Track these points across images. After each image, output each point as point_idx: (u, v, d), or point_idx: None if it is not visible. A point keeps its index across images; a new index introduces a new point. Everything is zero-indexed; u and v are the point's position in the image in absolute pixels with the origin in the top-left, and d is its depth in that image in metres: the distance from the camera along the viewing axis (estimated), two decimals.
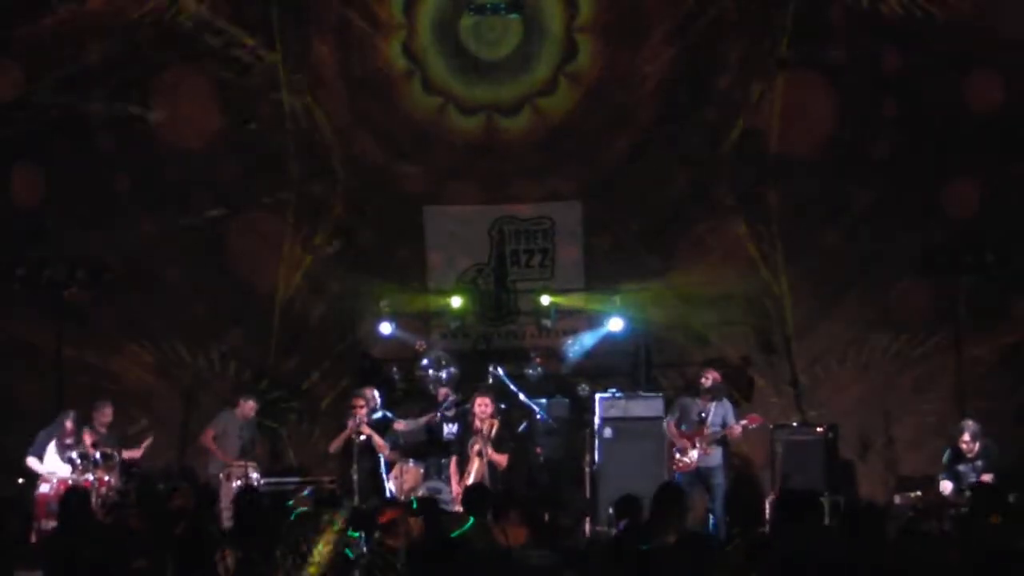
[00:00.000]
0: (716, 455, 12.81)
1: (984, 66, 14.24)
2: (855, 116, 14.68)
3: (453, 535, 8.00)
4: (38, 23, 14.24)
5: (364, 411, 12.69)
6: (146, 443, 13.44)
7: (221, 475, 13.09)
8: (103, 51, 14.36)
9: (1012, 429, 13.65)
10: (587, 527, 12.98)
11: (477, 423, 12.32)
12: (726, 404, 13.01)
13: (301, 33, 14.90)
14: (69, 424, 12.84)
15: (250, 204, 15.14)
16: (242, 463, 13.00)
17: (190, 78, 14.81)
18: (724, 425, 12.83)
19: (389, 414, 13.52)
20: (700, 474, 12.72)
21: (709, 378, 13.00)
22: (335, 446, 12.85)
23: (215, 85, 14.87)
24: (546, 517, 8.24)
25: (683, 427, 12.88)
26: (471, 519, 8.21)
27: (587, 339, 14.57)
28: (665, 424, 13.01)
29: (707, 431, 12.74)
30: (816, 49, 14.67)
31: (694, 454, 12.67)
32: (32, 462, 12.89)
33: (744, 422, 12.88)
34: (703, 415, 12.75)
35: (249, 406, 13.67)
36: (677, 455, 12.76)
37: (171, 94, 14.73)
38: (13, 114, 14.23)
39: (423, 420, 13.56)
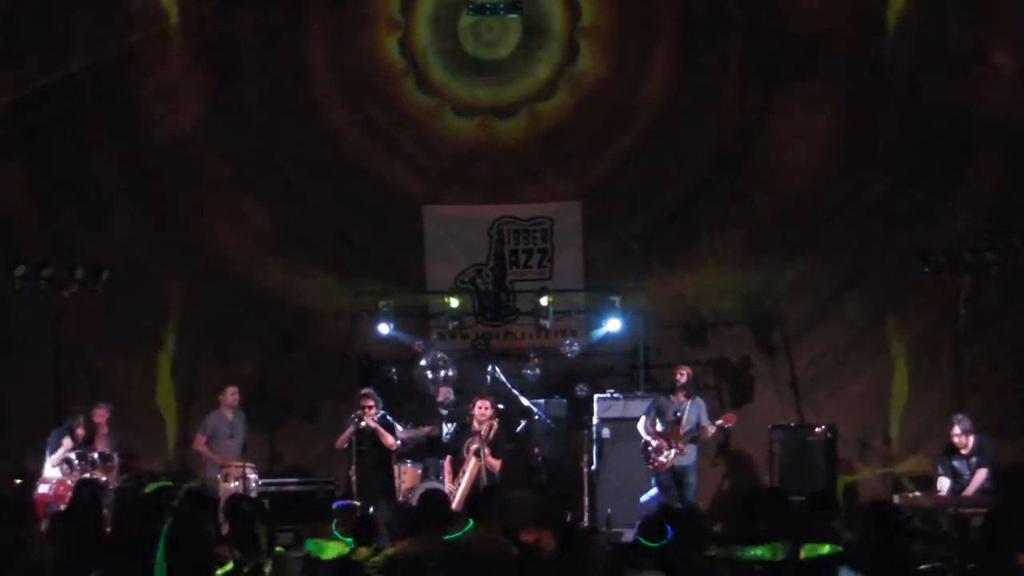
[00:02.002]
0: (691, 454, 12.81)
1: (988, 66, 14.22)
2: (856, 116, 14.66)
3: (450, 537, 7.99)
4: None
5: (374, 411, 12.68)
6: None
7: (219, 476, 13.07)
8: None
9: (1012, 429, 13.63)
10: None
11: (475, 425, 12.31)
12: (699, 402, 13.01)
13: (298, 32, 14.92)
14: (80, 431, 12.81)
15: (249, 205, 15.18)
16: (240, 463, 12.97)
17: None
18: (699, 424, 12.84)
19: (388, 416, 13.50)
20: (675, 473, 12.73)
21: (684, 374, 13.01)
22: (341, 441, 12.82)
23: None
24: (568, 517, 8.23)
25: (658, 427, 12.87)
26: (471, 521, 8.18)
27: (590, 337, 14.59)
28: (640, 425, 13.00)
29: (682, 430, 12.75)
30: (819, 50, 14.67)
31: (670, 454, 12.67)
32: (53, 459, 12.79)
33: (720, 422, 12.89)
34: (678, 414, 12.76)
35: (230, 392, 13.60)
36: (652, 455, 12.76)
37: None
38: (8, 115, 14.24)
39: (424, 431, 13.52)
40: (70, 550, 7.82)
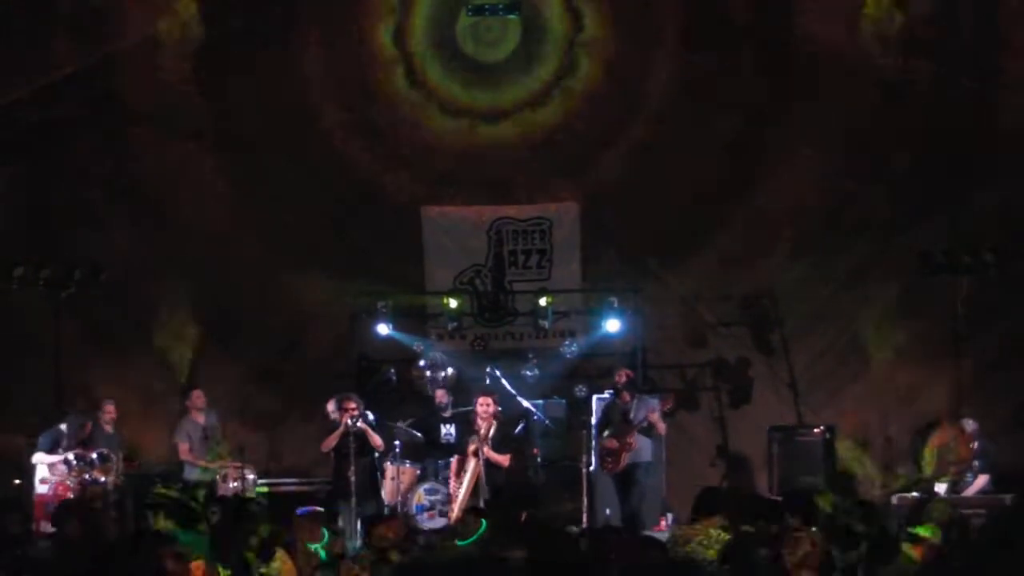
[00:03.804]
0: (645, 450, 12.81)
1: (985, 68, 14.23)
2: (857, 119, 14.65)
3: (465, 543, 7.97)
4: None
5: (357, 412, 12.69)
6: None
7: (218, 476, 13.08)
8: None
9: (1011, 430, 13.63)
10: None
11: (479, 422, 12.35)
12: (647, 399, 13.03)
13: (294, 34, 14.93)
14: (88, 425, 12.80)
15: (248, 205, 15.20)
16: (239, 464, 12.99)
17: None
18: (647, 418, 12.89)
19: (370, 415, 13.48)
20: (627, 471, 12.75)
21: (623, 375, 13.07)
22: (328, 445, 12.85)
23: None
24: (523, 516, 8.20)
25: (608, 430, 12.89)
26: (483, 524, 8.16)
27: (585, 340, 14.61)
28: (592, 431, 13.04)
29: (633, 426, 12.80)
30: (820, 53, 14.68)
31: (624, 451, 12.70)
32: (38, 457, 12.77)
33: (658, 404, 12.89)
34: (626, 412, 12.80)
35: (196, 396, 13.67)
36: (606, 457, 12.80)
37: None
38: (8, 115, 14.26)
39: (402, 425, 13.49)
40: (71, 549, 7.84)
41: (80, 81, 14.45)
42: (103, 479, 12.51)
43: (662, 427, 12.83)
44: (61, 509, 9.38)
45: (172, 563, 6.41)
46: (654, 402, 13.01)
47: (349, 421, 12.55)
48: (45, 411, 13.55)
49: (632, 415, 12.81)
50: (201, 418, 13.62)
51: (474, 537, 7.98)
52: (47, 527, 11.76)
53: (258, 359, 15.08)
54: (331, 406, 12.92)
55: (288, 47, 14.96)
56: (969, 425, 12.11)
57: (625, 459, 12.67)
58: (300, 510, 9.20)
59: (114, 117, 14.76)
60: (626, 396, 12.92)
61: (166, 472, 14.05)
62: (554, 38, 15.12)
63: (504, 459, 12.30)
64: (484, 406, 12.39)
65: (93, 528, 8.77)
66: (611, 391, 13.53)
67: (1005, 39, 14.19)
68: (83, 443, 12.72)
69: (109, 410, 13.26)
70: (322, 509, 10.34)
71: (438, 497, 12.65)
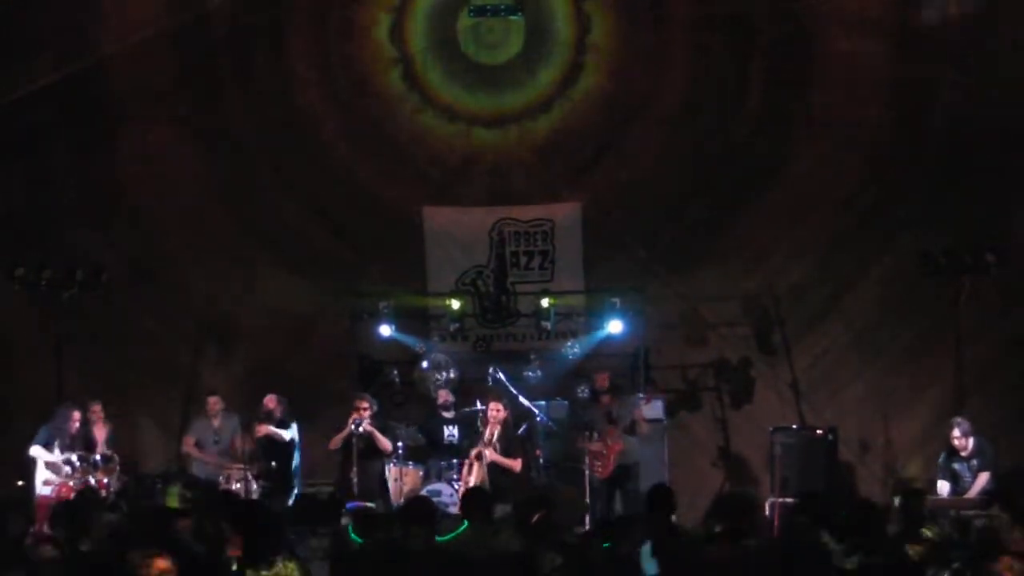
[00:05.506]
0: (633, 452, 12.88)
1: (982, 69, 14.26)
2: (856, 119, 14.67)
3: (445, 538, 7.98)
4: None
5: (368, 412, 12.72)
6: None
7: (220, 478, 13.08)
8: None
9: (1012, 430, 13.66)
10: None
11: (491, 426, 12.42)
12: (631, 399, 13.14)
13: (288, 40, 14.92)
14: (76, 413, 12.79)
15: (249, 206, 15.18)
16: (240, 466, 12.98)
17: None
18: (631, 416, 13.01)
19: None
20: (617, 475, 12.81)
21: (605, 379, 13.29)
22: (335, 443, 12.89)
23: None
24: (535, 518, 8.22)
25: (594, 435, 12.97)
26: (465, 523, 8.21)
27: (587, 341, 14.63)
28: (579, 440, 13.13)
29: (616, 427, 12.90)
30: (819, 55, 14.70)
31: (610, 454, 12.79)
32: (36, 451, 12.73)
33: (640, 401, 13.07)
34: (610, 415, 12.89)
35: (211, 402, 13.67)
36: (594, 461, 12.85)
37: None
38: (10, 112, 14.24)
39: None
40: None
41: (79, 82, 14.42)
42: (106, 480, 12.50)
43: (645, 427, 12.93)
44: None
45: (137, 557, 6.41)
46: (637, 399, 13.09)
47: (356, 424, 12.59)
48: (45, 411, 13.52)
49: (614, 414, 12.87)
50: (216, 422, 13.62)
51: (453, 535, 8.01)
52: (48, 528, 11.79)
53: (259, 360, 15.06)
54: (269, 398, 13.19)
55: (285, 49, 14.95)
56: (961, 425, 12.11)
57: (613, 462, 12.73)
58: (350, 504, 9.26)
59: (114, 118, 14.74)
60: (606, 399, 13.10)
61: (166, 473, 14.07)
62: (558, 40, 15.10)
63: (516, 463, 12.34)
64: (495, 411, 12.48)
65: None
66: (590, 392, 13.70)
67: (1005, 39, 14.21)
68: (77, 439, 12.68)
69: (95, 410, 13.23)
70: (372, 504, 10.39)
71: (442, 498, 12.65)
